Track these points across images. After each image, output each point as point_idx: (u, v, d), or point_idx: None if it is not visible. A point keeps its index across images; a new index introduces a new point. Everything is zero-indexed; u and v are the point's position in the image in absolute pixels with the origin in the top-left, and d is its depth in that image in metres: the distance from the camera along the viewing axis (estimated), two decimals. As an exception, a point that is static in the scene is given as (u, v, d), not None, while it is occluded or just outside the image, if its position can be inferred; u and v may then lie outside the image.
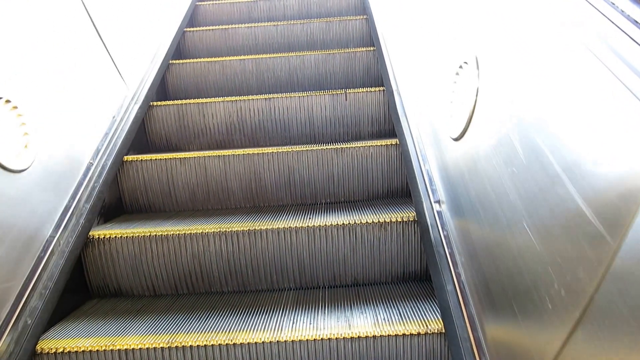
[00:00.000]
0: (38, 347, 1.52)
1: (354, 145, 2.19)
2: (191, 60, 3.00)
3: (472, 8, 1.42)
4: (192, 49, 3.38)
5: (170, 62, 3.00)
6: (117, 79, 2.41)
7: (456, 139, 1.45)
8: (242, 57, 2.97)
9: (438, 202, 1.71)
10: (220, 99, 2.57)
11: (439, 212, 1.68)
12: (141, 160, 2.22)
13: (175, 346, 1.50)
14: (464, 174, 1.40)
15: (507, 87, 1.12)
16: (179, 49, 3.33)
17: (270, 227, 1.84)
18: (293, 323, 1.57)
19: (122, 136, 2.29)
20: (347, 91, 2.54)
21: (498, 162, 1.13)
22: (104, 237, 1.87)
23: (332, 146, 2.20)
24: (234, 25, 3.36)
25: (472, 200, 1.33)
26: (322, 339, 1.48)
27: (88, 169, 2.01)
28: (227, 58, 2.97)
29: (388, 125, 2.56)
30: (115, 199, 2.23)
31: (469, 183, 1.35)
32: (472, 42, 1.37)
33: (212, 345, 1.49)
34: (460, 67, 1.43)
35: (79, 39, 2.11)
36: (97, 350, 1.51)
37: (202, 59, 2.99)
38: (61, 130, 1.87)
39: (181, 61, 3.00)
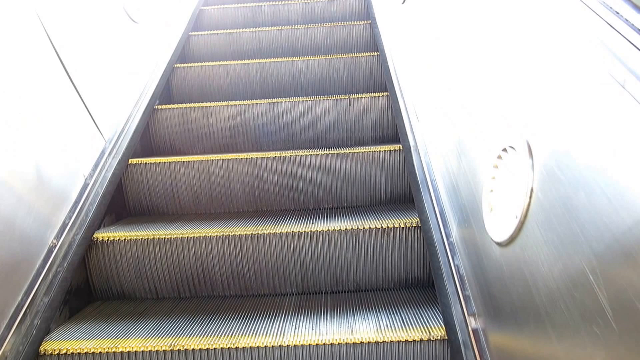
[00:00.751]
0: (41, 349, 1.53)
1: (357, 150, 2.20)
2: (196, 64, 3.01)
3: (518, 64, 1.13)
4: (197, 53, 3.39)
5: (175, 65, 3.02)
6: (92, 131, 2.05)
7: (500, 244, 1.09)
8: (247, 61, 2.98)
9: (474, 315, 1.30)
10: (224, 102, 2.58)
11: (475, 331, 1.28)
12: (145, 163, 2.23)
13: (178, 349, 1.50)
14: (514, 299, 1.04)
15: (581, 196, 0.79)
16: (183, 53, 3.34)
17: (273, 231, 1.85)
18: (295, 328, 1.57)
19: (95, 201, 1.95)
20: (351, 96, 2.55)
21: (571, 310, 0.80)
22: (107, 240, 1.87)
23: (335, 151, 2.20)
24: (238, 30, 3.37)
25: (525, 344, 0.99)
26: (324, 344, 1.48)
27: (50, 252, 1.64)
28: (232, 62, 2.99)
29: (391, 131, 2.56)
30: (119, 202, 2.24)
31: (522, 317, 0.99)
32: (520, 120, 1.06)
33: (214, 348, 1.50)
34: (505, 150, 1.10)
35: (40, 86, 1.76)
36: (100, 353, 1.51)
37: (206, 63, 3.00)
38: (12, 207, 1.48)
39: (186, 65, 3.01)
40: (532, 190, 0.96)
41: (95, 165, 2.03)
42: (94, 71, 2.17)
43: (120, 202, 2.26)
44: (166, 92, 2.95)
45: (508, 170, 1.09)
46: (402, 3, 2.39)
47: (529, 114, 1.03)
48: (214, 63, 3.00)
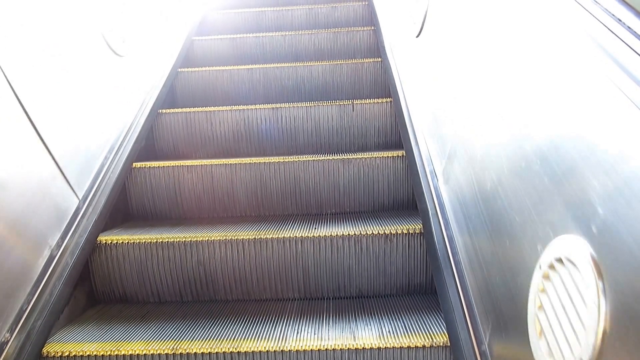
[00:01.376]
0: (44, 351, 1.53)
1: (360, 156, 2.20)
2: (199, 68, 3.02)
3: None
4: (201, 58, 3.40)
5: (179, 70, 3.03)
6: (61, 190, 1.77)
7: None
8: (250, 66, 2.99)
9: None
10: (228, 107, 2.59)
11: None
12: (149, 167, 2.24)
13: (180, 353, 1.50)
14: None
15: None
16: (187, 57, 3.34)
17: (276, 236, 1.85)
18: (297, 333, 1.58)
19: (63, 276, 1.70)
20: (354, 102, 2.56)
21: None
22: (110, 243, 1.88)
23: (338, 156, 2.21)
24: (242, 35, 3.39)
25: None
26: (326, 349, 1.48)
27: (1, 349, 1.42)
28: (235, 67, 3.00)
29: (395, 137, 2.57)
30: (122, 204, 2.24)
31: None
32: (583, 213, 0.77)
33: (216, 352, 1.50)
34: (560, 260, 0.82)
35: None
36: (103, 355, 1.51)
37: (210, 67, 3.01)
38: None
39: (189, 69, 3.02)
40: (604, 332, 0.68)
41: (66, 233, 1.77)
42: (68, 111, 1.88)
43: (124, 205, 2.26)
44: (170, 96, 2.96)
45: (564, 288, 0.81)
46: (417, 36, 2.30)
47: (596, 203, 0.74)
48: (217, 68, 3.01)
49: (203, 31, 3.74)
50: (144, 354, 1.52)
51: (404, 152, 2.19)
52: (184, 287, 1.91)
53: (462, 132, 1.53)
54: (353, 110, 2.56)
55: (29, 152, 1.62)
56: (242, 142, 2.61)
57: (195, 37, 3.47)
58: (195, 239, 1.86)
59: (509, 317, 1.09)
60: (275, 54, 3.37)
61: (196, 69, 3.02)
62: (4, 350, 1.43)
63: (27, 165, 1.61)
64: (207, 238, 1.86)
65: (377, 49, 3.27)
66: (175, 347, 1.52)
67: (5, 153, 1.50)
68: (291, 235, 1.85)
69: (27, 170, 1.61)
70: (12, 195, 1.50)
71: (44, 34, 1.79)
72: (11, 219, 1.49)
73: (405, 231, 1.83)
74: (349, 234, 1.84)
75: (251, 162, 2.22)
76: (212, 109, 2.60)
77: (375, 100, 2.56)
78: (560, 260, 0.82)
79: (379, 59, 2.95)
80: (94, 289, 1.92)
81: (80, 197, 1.89)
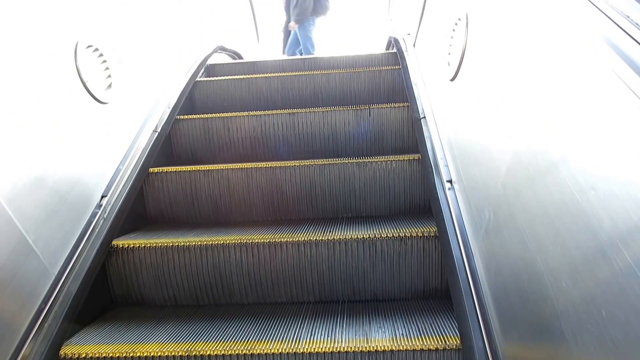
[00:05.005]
0: (62, 352, 1.55)
1: (375, 160, 2.20)
2: (218, 78, 3.06)
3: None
4: (219, 69, 3.45)
5: (197, 79, 3.07)
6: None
7: None
8: (268, 74, 3.02)
9: None
10: (245, 113, 2.61)
11: None
12: (166, 172, 2.27)
13: (194, 355, 1.51)
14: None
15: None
16: (207, 70, 3.39)
17: (291, 239, 1.85)
18: (311, 335, 1.57)
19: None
20: (371, 106, 2.55)
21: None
22: (127, 247, 1.90)
23: (353, 160, 2.20)
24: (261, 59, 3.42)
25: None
26: (339, 351, 1.47)
27: None
28: (254, 76, 3.02)
29: (411, 141, 2.55)
30: (140, 208, 2.27)
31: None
32: None
33: (230, 354, 1.50)
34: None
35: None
36: (118, 357, 1.53)
37: (229, 77, 3.05)
38: None
39: (207, 79, 3.06)
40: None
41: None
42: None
43: (142, 209, 2.29)
44: (188, 104, 3.00)
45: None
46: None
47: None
48: (235, 77, 3.04)
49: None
50: (159, 356, 1.53)
51: (420, 156, 2.18)
52: (200, 291, 1.92)
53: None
54: (370, 115, 2.56)
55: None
56: (259, 148, 2.63)
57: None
58: (210, 242, 1.87)
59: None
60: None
61: (214, 78, 3.06)
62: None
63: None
64: (222, 242, 1.87)
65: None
66: (189, 348, 1.53)
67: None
68: (306, 239, 1.85)
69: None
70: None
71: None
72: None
73: (420, 234, 1.81)
74: (363, 237, 1.83)
75: (267, 166, 2.23)
76: (229, 114, 2.63)
77: (392, 105, 2.55)
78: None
79: (397, 67, 2.95)
80: (111, 292, 1.94)
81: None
